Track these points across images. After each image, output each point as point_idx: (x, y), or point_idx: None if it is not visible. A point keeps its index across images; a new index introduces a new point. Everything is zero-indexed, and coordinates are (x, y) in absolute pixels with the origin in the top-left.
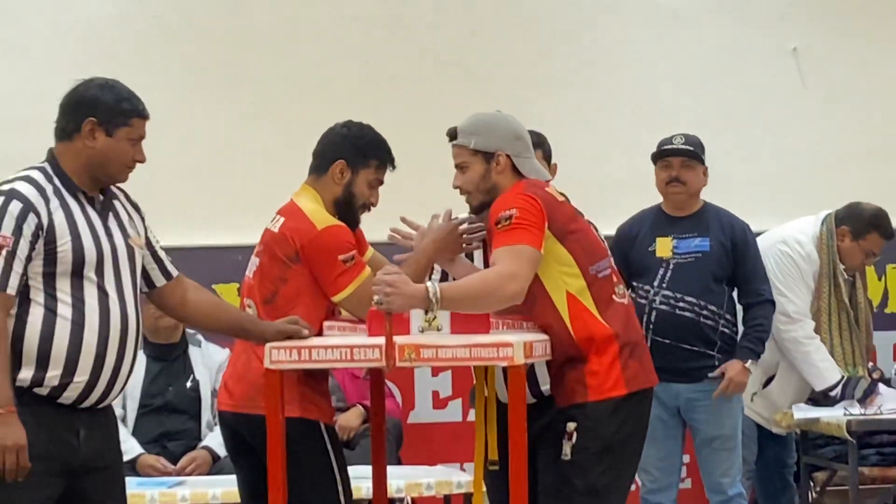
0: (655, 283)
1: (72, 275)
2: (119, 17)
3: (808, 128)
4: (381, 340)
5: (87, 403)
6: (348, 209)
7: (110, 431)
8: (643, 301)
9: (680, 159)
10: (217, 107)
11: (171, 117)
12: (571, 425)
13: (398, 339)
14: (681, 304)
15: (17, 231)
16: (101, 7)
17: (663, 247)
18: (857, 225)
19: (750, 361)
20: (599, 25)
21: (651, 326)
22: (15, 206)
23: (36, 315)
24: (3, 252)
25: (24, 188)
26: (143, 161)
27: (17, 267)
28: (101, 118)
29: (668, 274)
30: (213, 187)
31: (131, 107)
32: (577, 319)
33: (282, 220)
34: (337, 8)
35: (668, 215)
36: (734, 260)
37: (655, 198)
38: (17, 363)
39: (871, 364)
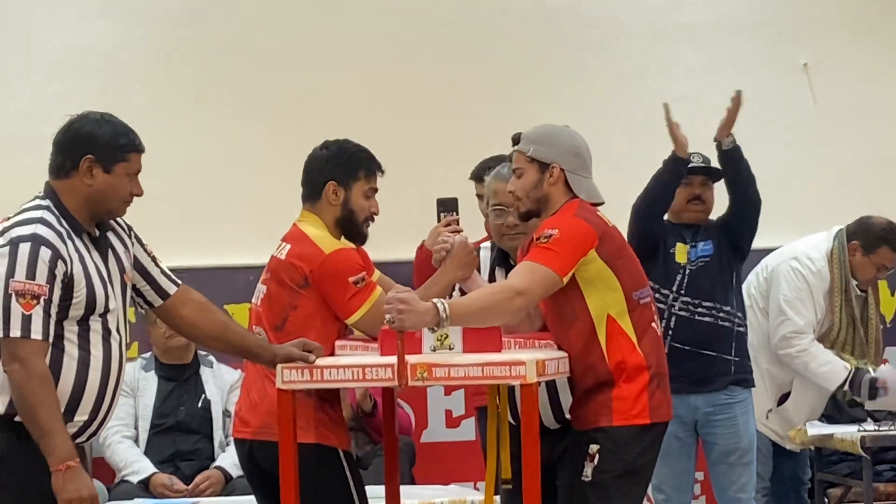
0: (674, 289)
1: (80, 320)
2: (131, 39)
3: (819, 143)
4: (394, 360)
5: (78, 441)
6: (352, 226)
7: (86, 464)
8: (662, 307)
9: (701, 178)
10: (228, 128)
11: (182, 138)
12: (594, 447)
13: (410, 359)
14: (699, 310)
15: (52, 278)
16: (114, 29)
17: (681, 253)
18: (867, 239)
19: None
20: (609, 42)
21: (670, 333)
22: (45, 253)
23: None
24: (41, 301)
25: (47, 233)
26: (140, 195)
27: (53, 314)
28: (98, 155)
29: (686, 280)
30: (225, 208)
31: (128, 141)
32: (614, 343)
33: (288, 246)
34: (347, 27)
35: (679, 223)
36: (726, 221)
37: None
38: None
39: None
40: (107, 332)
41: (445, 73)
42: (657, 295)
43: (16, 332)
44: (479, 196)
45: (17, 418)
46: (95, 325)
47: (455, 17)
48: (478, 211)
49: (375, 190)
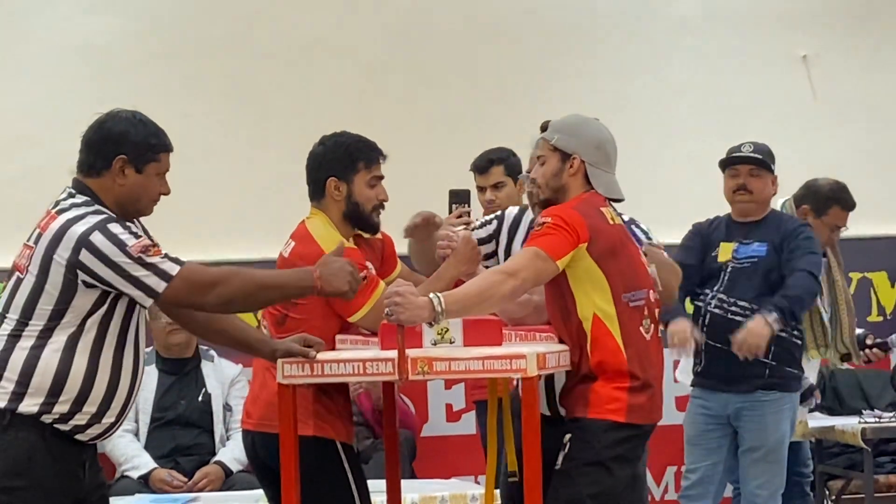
0: (714, 288)
1: (122, 318)
2: (125, 34)
3: (817, 135)
4: (394, 354)
5: (98, 440)
6: (360, 218)
7: (98, 461)
8: (700, 304)
9: (748, 167)
10: (226, 123)
11: (179, 134)
12: (567, 437)
13: (411, 353)
14: (733, 309)
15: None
16: (109, 25)
17: (725, 252)
18: (816, 202)
19: (774, 316)
20: (611, 35)
21: (705, 331)
22: (127, 226)
23: (82, 355)
24: (158, 247)
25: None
26: (168, 194)
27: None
28: (131, 155)
29: (726, 279)
30: (226, 203)
31: (159, 141)
32: (598, 343)
33: (293, 244)
34: (348, 20)
35: (735, 221)
36: (781, 252)
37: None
38: (55, 397)
39: (861, 330)
40: (136, 335)
41: (449, 67)
42: (700, 295)
43: (172, 269)
44: (480, 188)
45: (43, 418)
46: (131, 327)
47: (457, 11)
48: (478, 203)
49: (380, 177)
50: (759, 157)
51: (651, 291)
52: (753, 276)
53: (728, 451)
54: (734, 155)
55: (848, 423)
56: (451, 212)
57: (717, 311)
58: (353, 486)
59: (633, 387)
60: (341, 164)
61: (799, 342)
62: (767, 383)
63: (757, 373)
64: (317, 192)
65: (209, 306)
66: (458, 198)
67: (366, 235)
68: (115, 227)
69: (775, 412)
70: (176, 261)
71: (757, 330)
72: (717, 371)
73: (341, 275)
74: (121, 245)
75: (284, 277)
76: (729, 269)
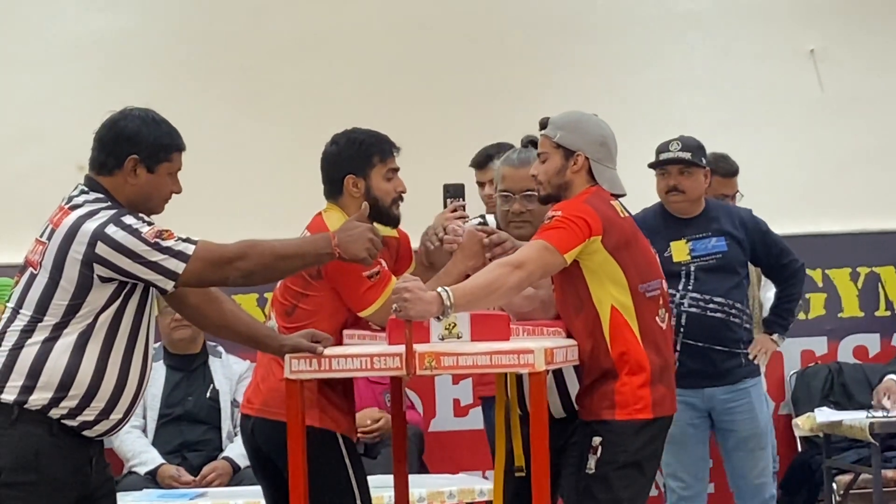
0: (681, 287)
1: (133, 315)
2: (135, 28)
3: (825, 130)
4: (402, 349)
5: (106, 436)
6: (381, 212)
7: (104, 457)
8: (670, 305)
9: (677, 167)
10: (234, 117)
11: (187, 128)
12: (597, 440)
13: (418, 348)
14: (711, 306)
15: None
16: (116, 18)
17: (679, 251)
18: None
19: (776, 335)
20: (615, 29)
21: (682, 330)
22: (141, 217)
23: (93, 351)
24: (170, 233)
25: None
26: (179, 192)
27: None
28: (143, 155)
29: (693, 277)
30: (230, 198)
31: (171, 141)
32: (617, 335)
33: (307, 235)
34: (354, 16)
35: (674, 217)
36: (752, 249)
37: None
38: (64, 392)
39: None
40: (146, 332)
41: (450, 61)
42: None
43: (188, 249)
44: (480, 183)
45: (51, 413)
46: (143, 325)
47: (460, 5)
48: (479, 199)
49: (396, 170)
50: (687, 156)
51: (664, 281)
52: (721, 271)
53: (709, 444)
54: (662, 157)
55: (856, 418)
56: (445, 206)
57: (693, 309)
58: (353, 479)
59: (653, 380)
60: (356, 160)
61: (749, 327)
62: (746, 371)
63: (736, 363)
64: (334, 190)
65: (231, 281)
66: (453, 192)
67: (383, 231)
68: (127, 219)
69: (758, 396)
70: (190, 241)
71: (765, 346)
72: (696, 368)
73: (360, 241)
74: (136, 233)
75: (303, 245)
76: (693, 269)
